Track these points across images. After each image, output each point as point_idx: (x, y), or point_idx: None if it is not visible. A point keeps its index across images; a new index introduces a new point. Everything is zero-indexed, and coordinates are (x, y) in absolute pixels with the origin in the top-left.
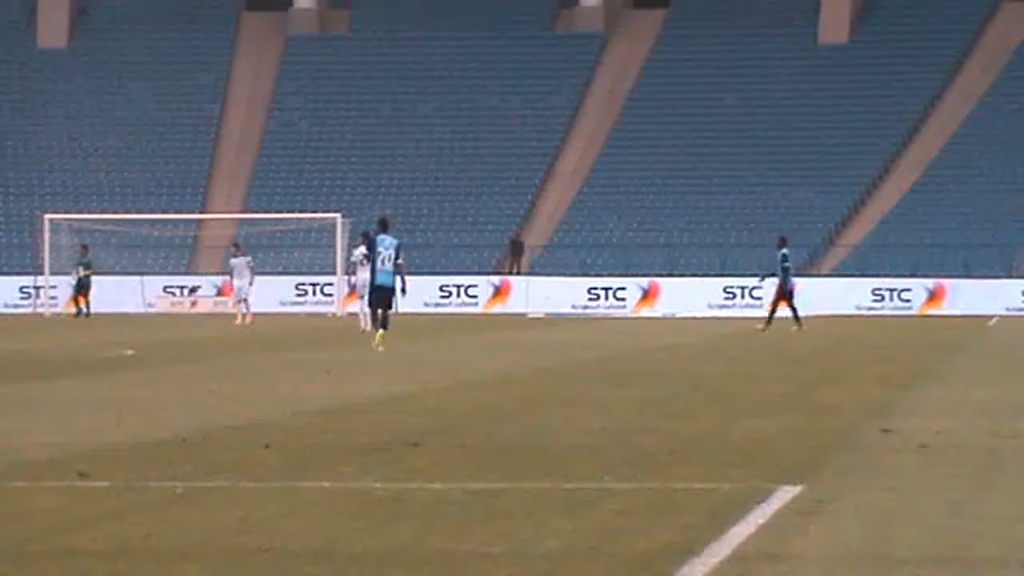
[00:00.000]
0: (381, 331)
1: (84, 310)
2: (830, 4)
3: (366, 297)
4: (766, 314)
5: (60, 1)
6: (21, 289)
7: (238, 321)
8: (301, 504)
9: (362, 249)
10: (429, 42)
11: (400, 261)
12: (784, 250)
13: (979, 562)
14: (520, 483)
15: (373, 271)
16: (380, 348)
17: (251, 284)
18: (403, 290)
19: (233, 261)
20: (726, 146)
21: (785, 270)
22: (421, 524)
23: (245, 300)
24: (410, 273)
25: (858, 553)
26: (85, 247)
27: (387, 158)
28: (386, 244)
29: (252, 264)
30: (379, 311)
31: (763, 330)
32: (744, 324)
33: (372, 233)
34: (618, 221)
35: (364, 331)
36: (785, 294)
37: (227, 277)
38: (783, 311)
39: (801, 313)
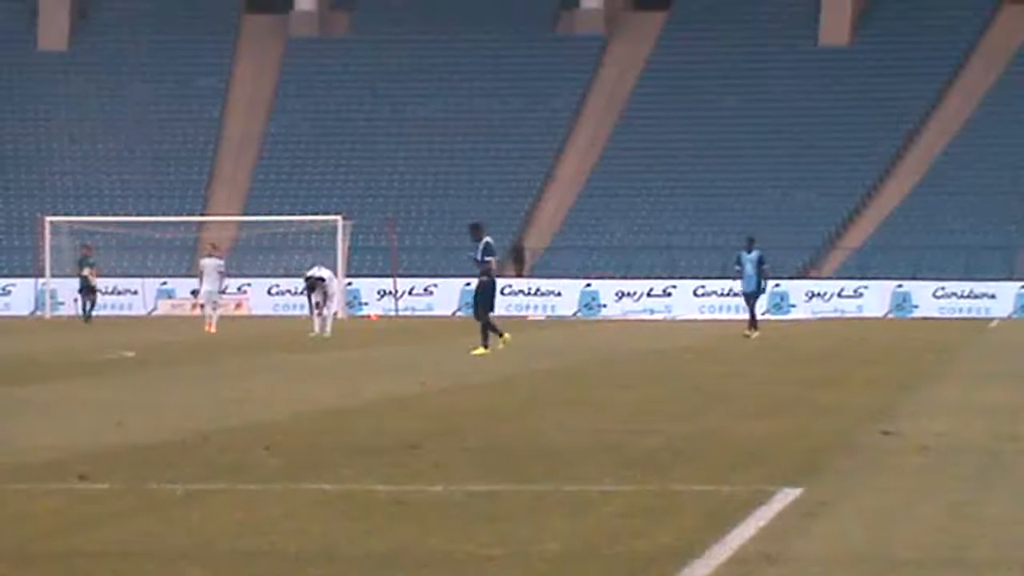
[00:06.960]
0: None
1: (87, 312)
2: (830, 6)
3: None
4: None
5: (61, 3)
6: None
7: (207, 328)
8: (301, 506)
9: (321, 271)
10: (429, 44)
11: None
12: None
13: (980, 563)
14: (520, 485)
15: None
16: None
17: (221, 291)
18: None
19: (204, 261)
20: (727, 148)
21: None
22: (421, 526)
23: (213, 304)
24: (411, 275)
25: (859, 555)
26: (88, 247)
27: (387, 160)
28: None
29: (223, 269)
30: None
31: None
32: (742, 326)
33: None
34: (619, 224)
35: (314, 334)
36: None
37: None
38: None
39: (761, 317)
